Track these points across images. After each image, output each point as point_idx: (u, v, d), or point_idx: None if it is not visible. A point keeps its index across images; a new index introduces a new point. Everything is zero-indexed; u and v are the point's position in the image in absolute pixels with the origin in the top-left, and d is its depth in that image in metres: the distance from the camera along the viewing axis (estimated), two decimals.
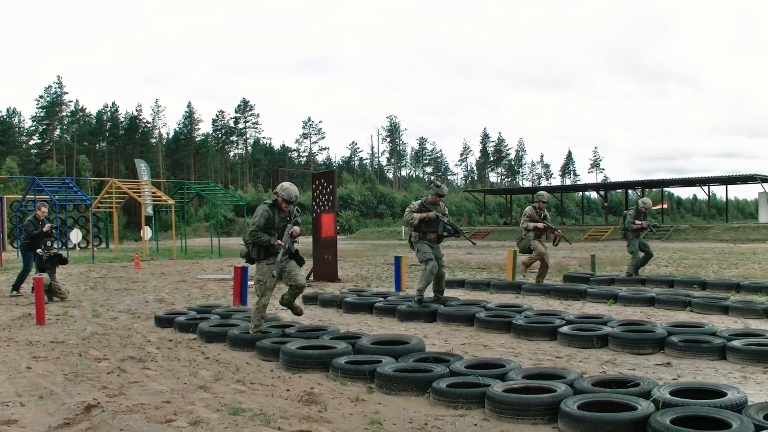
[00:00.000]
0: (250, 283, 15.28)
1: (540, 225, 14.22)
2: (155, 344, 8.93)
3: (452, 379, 6.02)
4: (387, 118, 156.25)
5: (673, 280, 14.88)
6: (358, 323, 10.48)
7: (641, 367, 7.22)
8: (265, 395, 6.17)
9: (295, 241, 8.86)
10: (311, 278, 17.34)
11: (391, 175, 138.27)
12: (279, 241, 8.58)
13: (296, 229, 8.76)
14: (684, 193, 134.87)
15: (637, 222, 15.62)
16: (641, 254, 15.77)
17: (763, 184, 53.95)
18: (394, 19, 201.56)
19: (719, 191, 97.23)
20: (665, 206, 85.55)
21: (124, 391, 6.37)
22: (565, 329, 8.62)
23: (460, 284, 15.41)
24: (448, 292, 12.65)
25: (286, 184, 8.71)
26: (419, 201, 11.52)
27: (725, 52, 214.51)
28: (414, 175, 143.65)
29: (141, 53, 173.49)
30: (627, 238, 16.01)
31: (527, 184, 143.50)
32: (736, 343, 7.52)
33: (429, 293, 11.59)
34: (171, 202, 31.42)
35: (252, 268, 9.72)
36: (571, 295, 12.96)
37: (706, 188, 57.88)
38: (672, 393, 5.37)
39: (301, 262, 9.10)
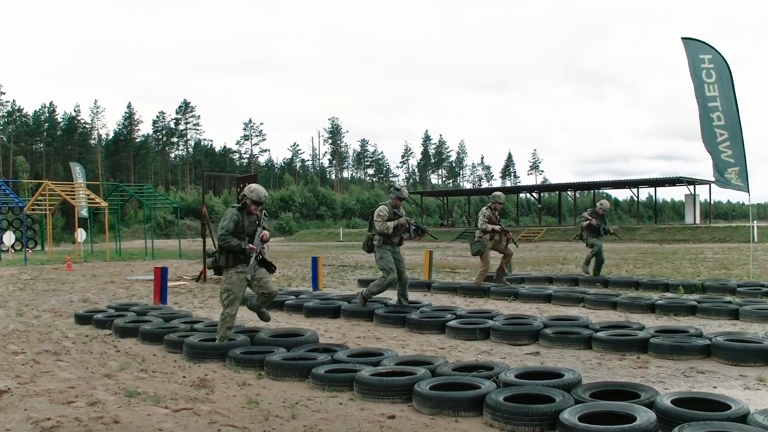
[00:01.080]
0: (171, 283, 15.89)
1: (497, 227, 14.05)
2: (72, 339, 9.48)
3: (331, 366, 6.73)
4: (329, 119, 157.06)
5: (578, 278, 15.75)
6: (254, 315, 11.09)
7: (512, 356, 7.99)
8: (163, 381, 6.83)
9: (264, 246, 8.51)
10: None
11: (333, 177, 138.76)
12: (251, 245, 8.24)
13: (266, 233, 8.50)
14: (623, 194, 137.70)
15: (587, 216, 16.22)
16: (597, 247, 16.10)
17: (689, 186, 55.74)
18: (334, 20, 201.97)
19: (661, 193, 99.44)
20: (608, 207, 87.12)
21: (35, 379, 6.97)
22: (452, 323, 9.40)
23: None
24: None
25: (254, 185, 8.41)
26: (386, 208, 11.23)
27: (659, 56, 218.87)
28: (356, 177, 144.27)
29: (79, 53, 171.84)
30: (583, 239, 16.36)
31: (468, 185, 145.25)
32: (601, 334, 8.36)
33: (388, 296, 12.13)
34: (104, 204, 31.72)
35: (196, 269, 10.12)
36: (475, 293, 13.78)
37: (635, 190, 59.48)
38: (517, 376, 6.14)
39: (271, 269, 8.70)
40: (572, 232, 53.56)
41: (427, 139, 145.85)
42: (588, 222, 16.11)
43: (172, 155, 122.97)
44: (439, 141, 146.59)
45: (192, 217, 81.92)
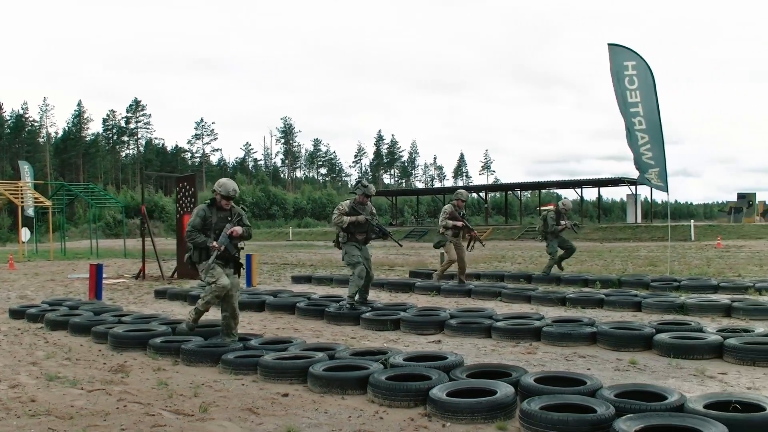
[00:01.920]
0: (111, 281, 16.30)
1: (459, 224, 13.99)
2: (3, 332, 9.95)
3: (241, 353, 7.30)
4: (281, 119, 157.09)
5: (504, 274, 16.46)
6: (184, 310, 11.60)
7: (417, 344, 8.62)
8: (84, 368, 7.36)
9: (236, 245, 8.35)
10: (175, 276, 18.36)
11: (286, 176, 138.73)
12: (213, 243, 8.02)
13: (237, 229, 8.19)
14: (570, 195, 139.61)
15: (562, 223, 15.87)
16: (560, 251, 16.11)
17: (630, 187, 57.00)
18: (285, 19, 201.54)
19: (610, 193, 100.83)
20: (552, 207, 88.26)
21: None
22: (366, 315, 10.03)
23: (307, 280, 16.73)
24: (296, 288, 13.90)
25: (223, 180, 8.34)
26: (348, 202, 11.29)
27: (607, 58, 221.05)
28: (309, 177, 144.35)
29: (27, 49, 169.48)
30: (546, 240, 16.22)
31: (421, 185, 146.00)
32: (499, 324, 9.03)
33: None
34: (48, 203, 31.87)
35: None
36: (400, 288, 14.41)
37: (579, 190, 60.62)
38: (405, 359, 6.76)
39: (238, 267, 8.56)
40: (517, 231, 54.61)
41: (379, 138, 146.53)
42: (563, 228, 15.93)
43: (123, 154, 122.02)
44: (392, 141, 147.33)
45: (142, 216, 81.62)
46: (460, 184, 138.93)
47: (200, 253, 8.18)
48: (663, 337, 7.83)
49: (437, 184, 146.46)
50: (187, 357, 7.46)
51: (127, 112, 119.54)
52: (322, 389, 6.10)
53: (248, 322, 10.33)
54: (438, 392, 5.42)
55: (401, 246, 15.40)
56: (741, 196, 59.82)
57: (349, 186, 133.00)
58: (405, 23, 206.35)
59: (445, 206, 14.41)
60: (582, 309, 11.48)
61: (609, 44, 16.99)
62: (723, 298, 11.55)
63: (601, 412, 4.80)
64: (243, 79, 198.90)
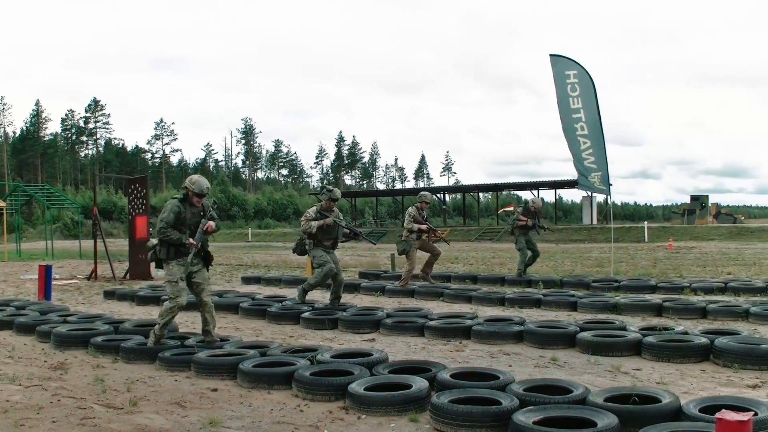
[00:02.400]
0: (63, 282, 16.42)
1: (423, 226, 14.04)
2: None
3: (177, 350, 7.57)
4: (242, 120, 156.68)
5: (450, 275, 16.81)
6: (142, 314, 11.85)
7: (352, 342, 8.95)
8: (25, 365, 7.60)
9: (207, 239, 8.32)
10: (127, 277, 18.51)
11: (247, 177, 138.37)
12: (191, 240, 7.95)
13: (211, 224, 8.17)
14: (530, 196, 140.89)
15: (522, 218, 15.89)
16: (529, 252, 16.06)
17: (532, 191, 58.07)
18: (244, 19, 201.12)
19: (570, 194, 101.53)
20: (512, 209, 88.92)
21: None
22: (306, 315, 10.32)
23: (257, 280, 17.00)
24: (245, 288, 14.14)
25: (195, 176, 8.13)
26: (315, 208, 11.39)
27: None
28: (271, 177, 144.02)
29: None
30: (514, 236, 16.23)
31: (382, 186, 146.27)
32: (432, 323, 9.39)
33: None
34: (2, 204, 31.73)
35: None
36: (345, 288, 14.66)
37: (536, 192, 61.30)
38: (332, 356, 7.09)
39: (209, 261, 8.46)
40: (475, 233, 55.15)
41: (340, 139, 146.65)
42: (524, 223, 15.95)
43: (82, 154, 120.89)
44: (353, 142, 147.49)
45: (101, 217, 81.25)
46: (422, 185, 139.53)
47: (168, 250, 7.99)
48: (585, 335, 8.22)
49: (398, 186, 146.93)
50: (126, 355, 7.72)
51: (86, 111, 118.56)
52: (250, 384, 6.40)
53: (192, 322, 10.57)
54: (356, 387, 5.73)
55: (375, 244, 15.71)
56: (694, 198, 61.01)
57: (311, 187, 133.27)
58: (364, 25, 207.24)
59: (409, 209, 14.36)
60: (520, 309, 11.85)
61: (551, 55, 17.52)
62: (655, 298, 11.97)
63: (505, 404, 5.14)
64: (203, 79, 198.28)
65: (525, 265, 16.23)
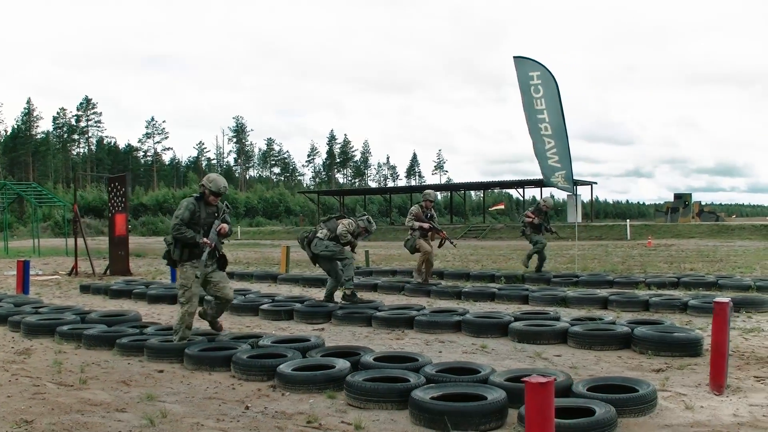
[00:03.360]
0: (45, 277, 17.01)
1: (425, 225, 13.77)
2: None
3: (134, 337, 8.18)
4: (233, 118, 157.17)
5: (443, 272, 17.41)
6: (114, 306, 12.52)
7: (303, 331, 9.55)
8: None
9: (223, 242, 8.21)
10: (108, 273, 19.10)
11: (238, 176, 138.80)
12: (205, 239, 7.76)
13: (225, 226, 7.99)
14: (516, 194, 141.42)
15: (529, 215, 16.14)
16: (540, 245, 16.18)
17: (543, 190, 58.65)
18: (235, 17, 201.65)
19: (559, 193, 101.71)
20: (502, 207, 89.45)
21: None
22: (264, 307, 10.95)
23: (230, 276, 17.58)
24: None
25: (212, 175, 7.92)
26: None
27: (558, 58, 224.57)
28: (263, 176, 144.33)
29: None
30: (525, 235, 16.34)
31: (374, 185, 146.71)
32: (379, 314, 10.08)
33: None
34: None
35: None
36: (313, 283, 15.35)
37: (521, 190, 61.89)
38: (273, 342, 7.72)
39: (224, 265, 8.37)
40: (461, 231, 55.75)
41: (332, 138, 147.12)
42: (531, 220, 16.09)
43: (75, 152, 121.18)
44: (344, 140, 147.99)
45: (92, 215, 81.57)
46: (413, 183, 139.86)
47: (182, 251, 7.87)
48: (516, 324, 8.84)
49: (390, 184, 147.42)
50: (87, 342, 8.34)
51: (78, 110, 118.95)
52: (194, 367, 7.05)
53: (158, 313, 11.25)
54: (284, 367, 6.34)
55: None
56: (678, 196, 61.75)
57: (304, 186, 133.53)
58: (354, 23, 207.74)
59: (412, 207, 14.11)
60: (474, 302, 12.44)
61: (514, 57, 17.74)
62: (602, 292, 12.55)
63: (412, 382, 5.75)
64: (194, 77, 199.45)
65: (528, 257, 16.65)
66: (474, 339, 8.82)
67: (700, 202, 62.46)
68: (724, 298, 6.79)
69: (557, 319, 9.46)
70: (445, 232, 14.16)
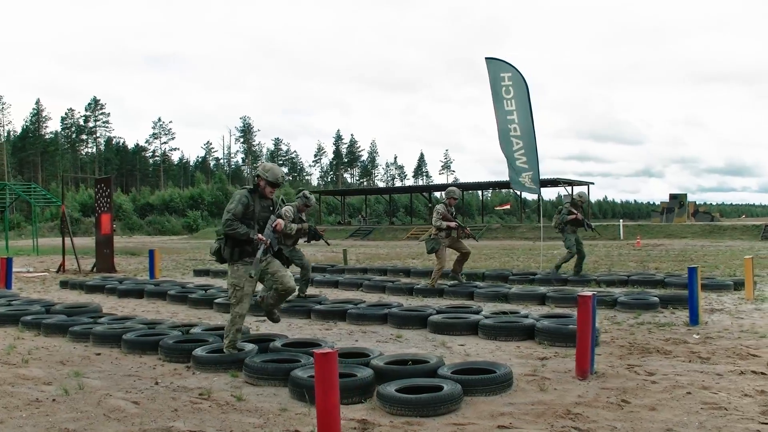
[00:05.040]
0: (36, 274, 17.99)
1: (453, 224, 13.59)
2: None
3: (85, 326, 9.17)
4: (240, 118, 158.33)
5: (387, 269, 18.40)
6: (87, 299, 13.52)
7: (247, 322, 10.42)
8: None
9: (278, 238, 7.68)
10: (94, 270, 20.11)
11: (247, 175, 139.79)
12: (259, 236, 7.19)
13: (281, 222, 7.41)
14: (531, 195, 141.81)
15: (573, 211, 15.74)
16: (571, 256, 15.90)
17: (566, 187, 59.23)
18: (239, 17, 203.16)
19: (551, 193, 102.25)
20: (509, 207, 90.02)
21: None
22: (219, 300, 11.94)
23: (206, 273, 18.68)
24: (197, 280, 15.73)
25: (268, 164, 7.43)
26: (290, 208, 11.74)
27: (564, 57, 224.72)
28: None
29: None
30: (563, 233, 15.96)
31: (381, 184, 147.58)
32: (317, 307, 11.07)
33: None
34: None
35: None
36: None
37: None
38: (203, 330, 8.72)
39: (286, 263, 7.88)
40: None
41: (338, 138, 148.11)
42: (575, 216, 15.75)
43: (84, 152, 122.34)
44: (351, 140, 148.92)
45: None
46: (421, 183, 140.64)
47: (233, 249, 7.33)
48: (435, 317, 9.72)
49: (398, 183, 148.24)
50: (45, 330, 9.38)
51: (86, 110, 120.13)
52: (128, 350, 8.05)
53: (123, 306, 12.26)
54: (199, 351, 7.30)
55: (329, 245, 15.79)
56: (673, 197, 62.49)
57: (312, 185, 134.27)
58: (357, 22, 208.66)
59: (437, 206, 13.83)
60: (423, 298, 13.34)
61: (486, 58, 18.39)
62: (541, 289, 13.41)
63: (302, 362, 6.67)
64: (200, 77, 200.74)
65: (561, 263, 16.25)
66: (396, 330, 9.70)
67: (695, 202, 63.20)
68: (588, 291, 7.58)
69: (477, 313, 10.28)
70: (468, 229, 14.04)
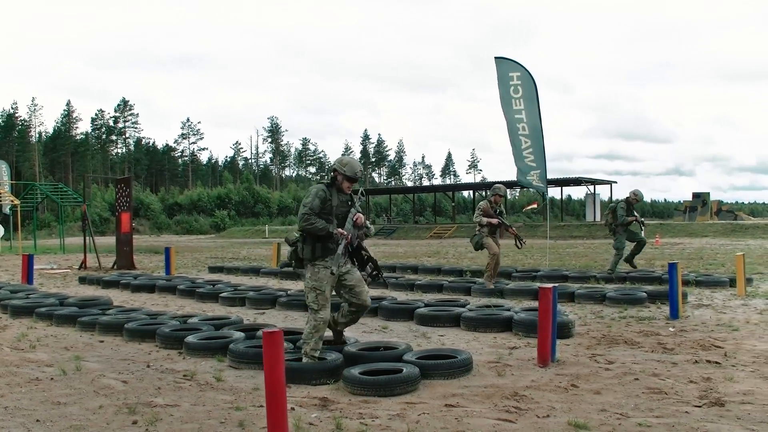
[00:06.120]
0: (60, 270, 18.79)
1: (494, 221, 13.38)
2: None
3: (93, 317, 9.87)
4: (268, 118, 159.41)
5: (396, 266, 19.09)
6: (103, 294, 14.20)
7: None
8: None
9: (360, 237, 7.09)
10: (115, 267, 20.89)
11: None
12: (339, 230, 6.78)
13: (360, 216, 6.97)
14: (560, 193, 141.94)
15: (634, 214, 15.53)
16: (627, 248, 15.81)
17: (588, 186, 59.47)
18: (266, 17, 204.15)
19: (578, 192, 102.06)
20: (536, 206, 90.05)
21: None
22: (224, 294, 12.67)
23: (220, 269, 19.48)
24: (209, 276, 16.49)
25: (345, 158, 6.98)
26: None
27: (591, 55, 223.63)
28: (301, 175, 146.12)
29: (15, 49, 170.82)
30: (614, 233, 15.78)
31: (410, 184, 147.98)
32: (282, 299, 11.98)
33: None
34: (16, 202, 34.37)
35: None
36: (289, 276, 17.03)
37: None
38: (200, 320, 9.41)
39: (368, 266, 7.23)
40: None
41: (366, 137, 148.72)
42: (634, 219, 15.57)
43: (114, 152, 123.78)
44: (378, 140, 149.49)
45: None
46: (449, 182, 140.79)
47: (313, 247, 6.81)
48: (421, 310, 10.29)
49: (425, 183, 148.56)
50: (57, 320, 10.14)
51: (115, 111, 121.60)
52: (129, 338, 8.74)
53: (134, 300, 13.09)
54: (191, 338, 7.93)
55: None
56: (696, 195, 62.57)
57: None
58: (381, 22, 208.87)
59: (481, 202, 13.72)
60: (423, 293, 13.81)
61: (495, 57, 18.64)
62: (537, 285, 13.72)
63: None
64: (228, 77, 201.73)
65: (629, 260, 16.08)
66: (384, 322, 10.22)
67: (719, 200, 63.18)
68: (549, 284, 8.06)
69: (463, 306, 10.76)
70: (514, 229, 13.70)
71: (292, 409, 5.45)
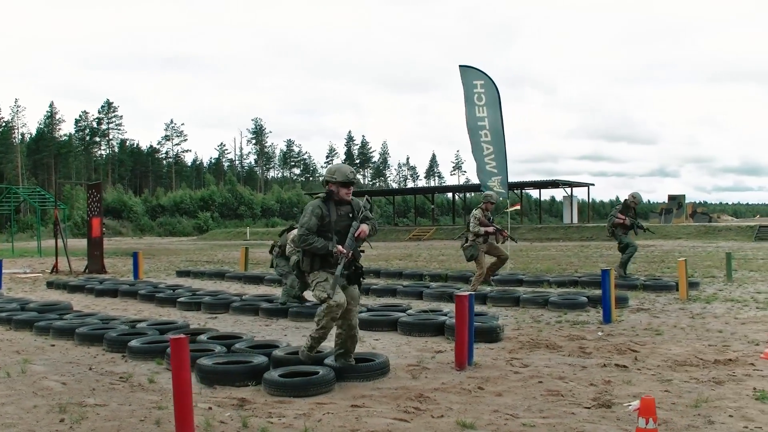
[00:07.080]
0: (32, 274, 19.22)
1: (491, 229, 13.58)
2: None
3: (46, 322, 10.35)
4: (252, 120, 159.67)
5: (379, 271, 19.65)
6: (69, 298, 14.72)
7: (198, 319, 11.70)
8: None
9: (361, 248, 7.03)
10: (86, 271, 21.37)
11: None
12: (339, 248, 6.64)
13: (365, 227, 6.80)
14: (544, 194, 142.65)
15: (619, 216, 15.60)
16: (633, 248, 15.84)
17: (565, 189, 60.09)
18: (251, 18, 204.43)
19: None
20: (519, 207, 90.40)
21: None
22: (182, 299, 13.20)
23: (187, 274, 20.00)
24: (178, 281, 16.98)
25: (333, 166, 6.90)
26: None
27: (574, 56, 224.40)
28: (286, 176, 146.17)
29: None
30: (615, 236, 15.86)
31: (394, 185, 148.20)
32: (235, 304, 12.53)
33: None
34: None
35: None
36: (251, 281, 17.58)
37: (518, 191, 63.30)
38: (149, 325, 9.93)
39: (358, 279, 7.15)
40: (459, 231, 57.29)
41: (350, 139, 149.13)
42: (622, 221, 15.64)
43: (98, 154, 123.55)
44: (362, 141, 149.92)
45: (110, 216, 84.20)
46: (433, 184, 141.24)
47: (312, 260, 6.82)
48: (362, 315, 10.62)
49: (410, 184, 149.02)
50: (15, 325, 10.70)
51: (99, 113, 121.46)
52: (79, 342, 9.30)
53: (96, 305, 13.66)
54: (134, 343, 8.45)
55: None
56: (672, 198, 63.23)
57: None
58: (369, 23, 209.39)
59: (474, 211, 13.77)
60: (378, 297, 14.38)
61: (460, 66, 19.22)
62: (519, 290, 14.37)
63: (216, 351, 7.87)
64: (212, 78, 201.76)
65: (624, 264, 15.98)
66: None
67: (693, 203, 63.92)
68: (464, 292, 8.49)
69: (404, 311, 11.24)
70: (506, 232, 13.95)
71: (210, 408, 6.00)
